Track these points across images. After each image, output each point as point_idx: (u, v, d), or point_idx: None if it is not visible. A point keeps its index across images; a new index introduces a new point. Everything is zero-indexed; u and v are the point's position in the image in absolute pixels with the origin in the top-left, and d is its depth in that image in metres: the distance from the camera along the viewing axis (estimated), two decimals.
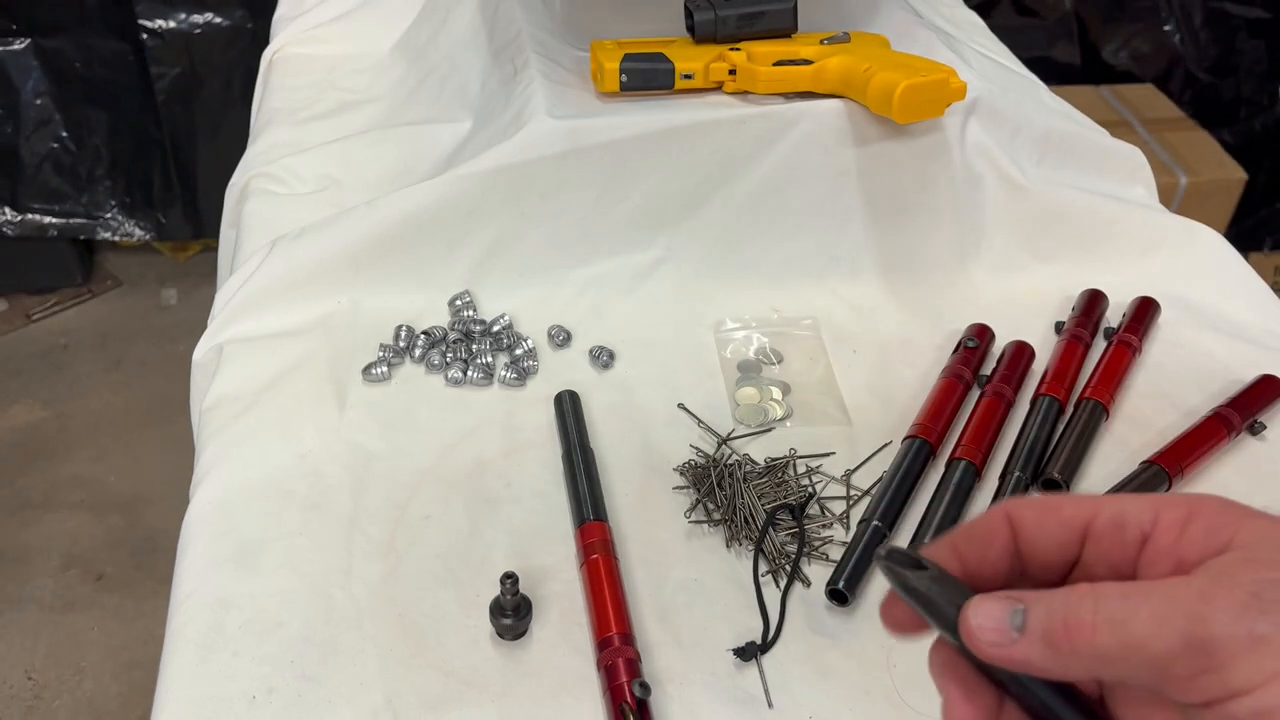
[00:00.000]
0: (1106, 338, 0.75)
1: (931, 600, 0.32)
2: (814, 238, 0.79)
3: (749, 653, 0.53)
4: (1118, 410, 0.70)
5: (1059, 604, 0.29)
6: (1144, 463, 0.64)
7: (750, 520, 0.60)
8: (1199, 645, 0.27)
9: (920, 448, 0.65)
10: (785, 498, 0.62)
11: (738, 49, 0.75)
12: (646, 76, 0.74)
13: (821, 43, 0.76)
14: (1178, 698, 0.28)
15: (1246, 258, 0.83)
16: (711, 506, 0.62)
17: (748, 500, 0.61)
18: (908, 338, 0.76)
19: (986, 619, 0.30)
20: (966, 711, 0.32)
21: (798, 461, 0.66)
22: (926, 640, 0.57)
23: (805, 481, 0.64)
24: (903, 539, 0.60)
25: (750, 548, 0.60)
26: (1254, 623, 0.26)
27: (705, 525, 0.61)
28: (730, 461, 0.64)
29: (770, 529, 0.60)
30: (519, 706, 0.51)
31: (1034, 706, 0.31)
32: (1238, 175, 1.74)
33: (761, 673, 0.53)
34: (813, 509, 0.62)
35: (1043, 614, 0.29)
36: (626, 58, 0.73)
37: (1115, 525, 0.31)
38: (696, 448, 0.66)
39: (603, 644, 0.53)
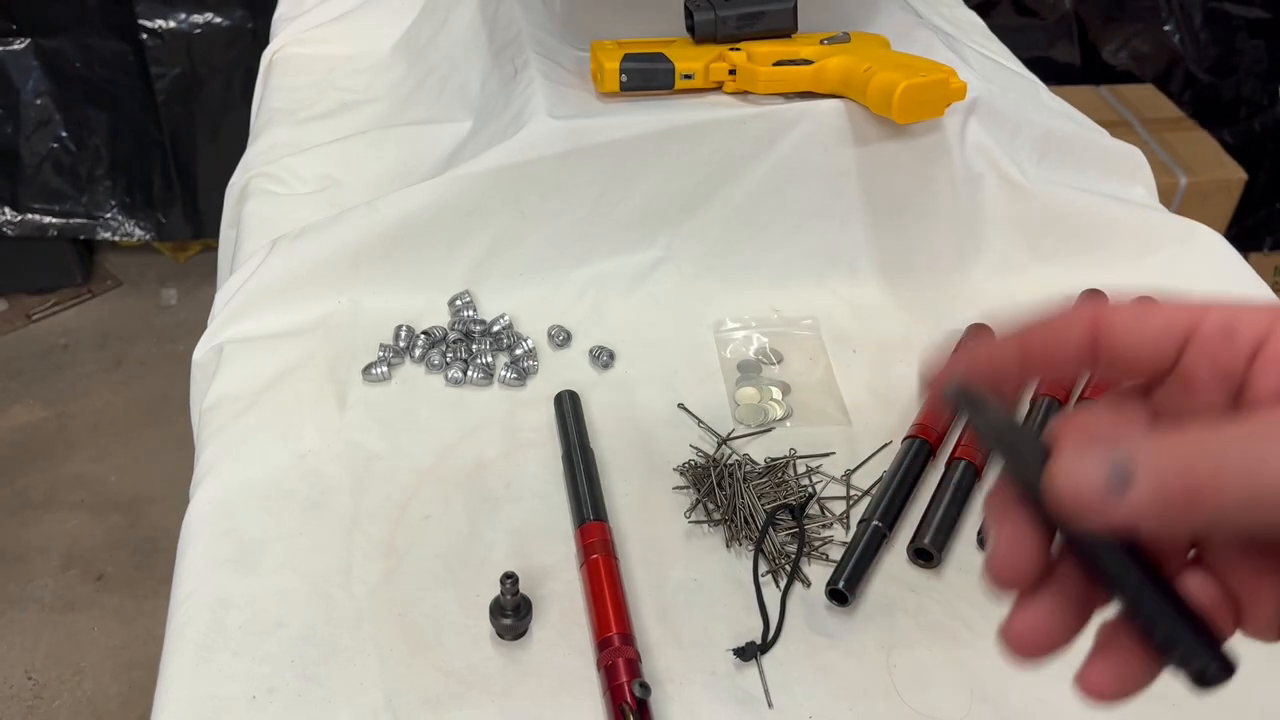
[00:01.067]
0: None
1: (1015, 448, 0.28)
2: (814, 238, 0.79)
3: (749, 653, 0.53)
4: None
5: (1177, 457, 0.24)
6: None
7: (750, 520, 0.61)
8: None
9: (920, 448, 0.65)
10: (785, 498, 0.62)
11: (738, 49, 0.75)
12: (646, 76, 0.74)
13: (821, 43, 0.76)
14: None
15: (1246, 258, 0.83)
16: (711, 506, 0.62)
17: (748, 500, 0.61)
18: (908, 338, 0.76)
19: (1083, 479, 0.25)
20: (1013, 561, 0.28)
21: (798, 461, 0.66)
22: (927, 641, 0.57)
23: (805, 481, 0.64)
24: (902, 539, 0.60)
25: (750, 548, 0.60)
26: None
27: (705, 525, 0.61)
28: (730, 461, 0.64)
29: (770, 529, 0.60)
30: (519, 706, 0.51)
31: (1106, 573, 0.26)
32: (1238, 175, 1.74)
33: (761, 673, 0.53)
34: (813, 509, 0.62)
35: (1155, 470, 0.24)
36: (626, 58, 0.73)
37: (1225, 331, 0.27)
38: (696, 448, 0.66)
39: (603, 644, 0.53)
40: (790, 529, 0.60)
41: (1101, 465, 0.25)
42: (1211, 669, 0.24)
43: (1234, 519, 0.24)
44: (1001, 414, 0.28)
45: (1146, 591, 0.25)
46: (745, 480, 0.62)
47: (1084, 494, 0.25)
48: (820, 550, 0.60)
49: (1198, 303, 0.28)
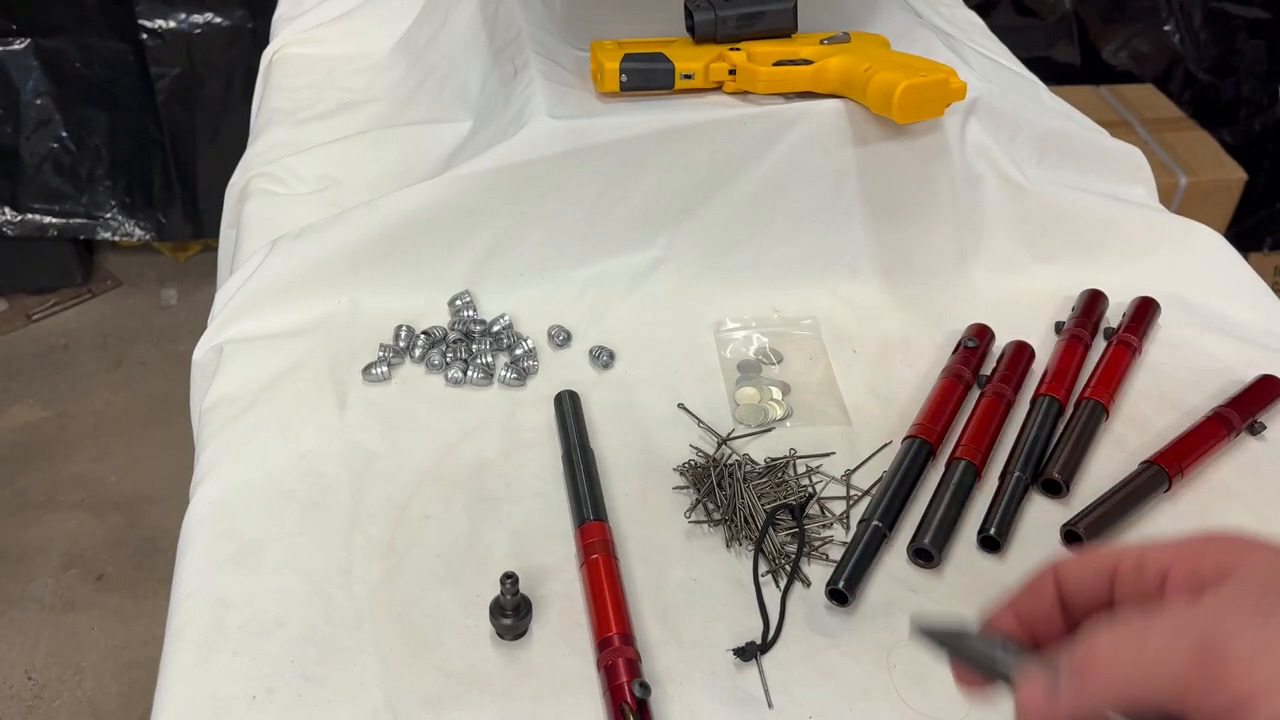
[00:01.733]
0: (1106, 338, 0.75)
1: (982, 660, 0.34)
2: (814, 238, 0.79)
3: (749, 653, 0.53)
4: (1118, 410, 0.70)
5: (1079, 642, 0.30)
6: (1144, 462, 0.64)
7: (750, 520, 0.61)
8: (1211, 654, 0.28)
9: (920, 448, 0.65)
10: (785, 498, 0.62)
11: (738, 49, 0.75)
12: (646, 76, 0.74)
13: (821, 43, 0.76)
14: (1199, 716, 0.29)
15: (1246, 258, 0.83)
16: (711, 506, 0.62)
17: (748, 500, 0.61)
18: (908, 338, 0.76)
19: (1030, 692, 0.32)
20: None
21: (798, 461, 0.66)
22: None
23: (805, 481, 0.64)
24: (902, 539, 0.60)
25: (750, 548, 0.60)
26: (1260, 629, 0.28)
27: (705, 525, 0.61)
28: (730, 461, 0.64)
29: (770, 529, 0.60)
30: (519, 706, 0.51)
31: None
32: (1237, 175, 1.74)
33: (761, 673, 0.53)
34: (813, 509, 0.62)
35: (1066, 658, 0.30)
36: (626, 58, 0.73)
37: (1137, 567, 0.33)
38: (696, 448, 0.66)
39: (603, 644, 0.53)
40: (790, 529, 0.60)
41: (1042, 676, 0.31)
42: None
43: (1139, 692, 0.29)
44: (972, 638, 0.35)
45: None
46: (745, 480, 0.62)
47: (1035, 704, 0.31)
48: (820, 550, 0.60)
49: (1122, 546, 0.34)
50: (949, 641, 0.35)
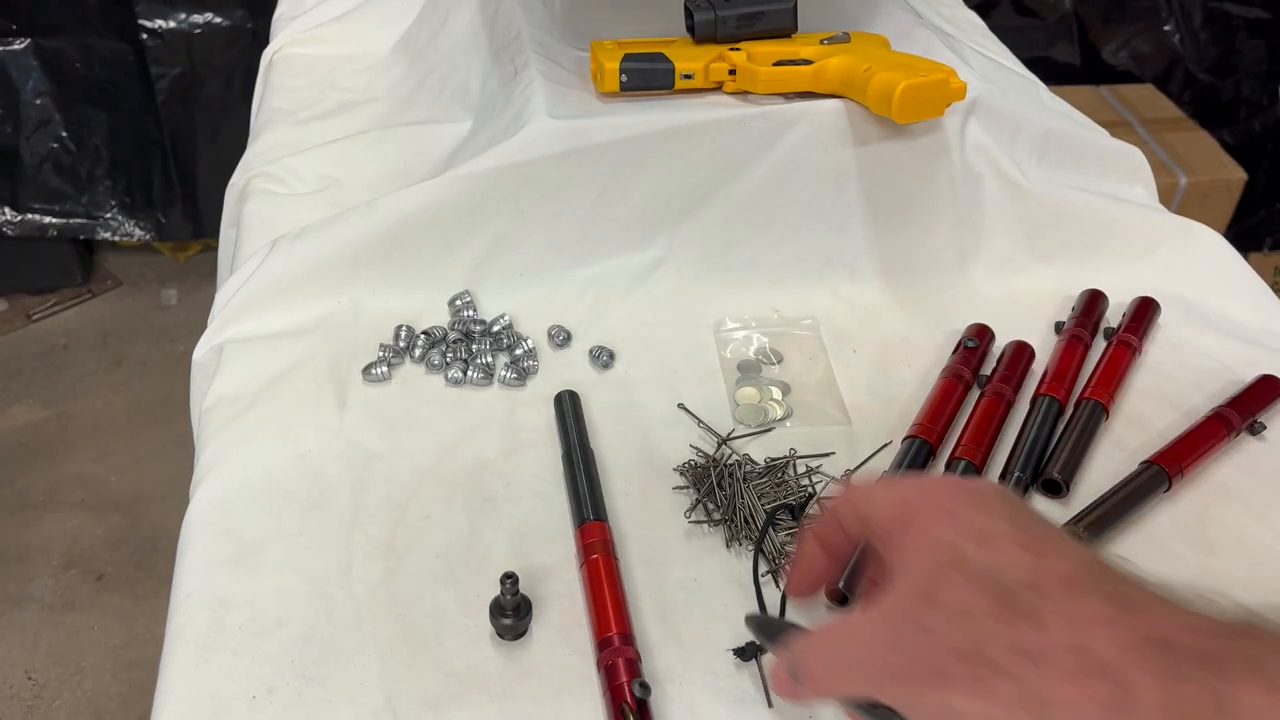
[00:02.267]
0: (1106, 338, 0.75)
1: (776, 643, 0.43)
2: (814, 238, 0.79)
3: (749, 653, 0.53)
4: (1118, 410, 0.70)
5: (795, 656, 0.39)
6: (1144, 462, 0.64)
7: (750, 520, 0.60)
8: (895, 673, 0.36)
9: (920, 448, 0.65)
10: (785, 498, 0.62)
11: (738, 49, 0.75)
12: (646, 76, 0.74)
13: (821, 43, 0.76)
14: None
15: (1246, 258, 0.83)
16: (711, 506, 0.62)
17: (748, 500, 0.61)
18: (908, 338, 0.76)
19: (776, 680, 0.41)
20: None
21: (797, 461, 0.66)
22: None
23: (805, 481, 0.64)
24: None
25: (750, 548, 0.60)
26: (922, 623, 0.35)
27: (705, 525, 0.61)
28: (730, 461, 0.64)
29: (770, 529, 0.60)
30: (519, 706, 0.51)
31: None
32: (1237, 175, 1.74)
33: (762, 673, 0.53)
34: (813, 509, 0.62)
35: (788, 655, 0.40)
36: (626, 58, 0.73)
37: (862, 520, 0.41)
38: (696, 448, 0.66)
39: (603, 644, 0.53)
40: (790, 529, 0.60)
41: (783, 667, 0.40)
42: None
43: (853, 690, 0.37)
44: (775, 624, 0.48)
45: None
46: (745, 480, 0.62)
47: (782, 689, 0.40)
48: None
49: (862, 492, 0.42)
50: (758, 627, 0.48)
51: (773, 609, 0.56)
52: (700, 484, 0.63)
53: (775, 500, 0.61)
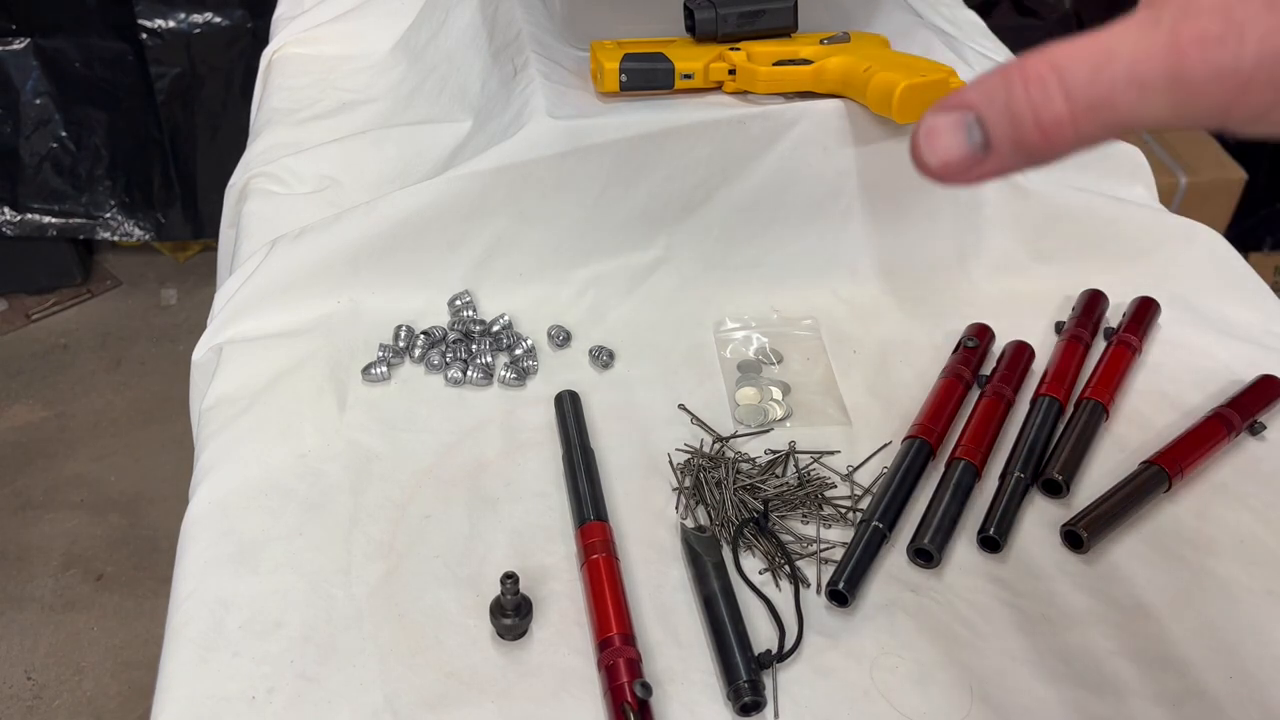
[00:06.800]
0: (1106, 338, 0.75)
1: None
2: (814, 238, 0.79)
3: (764, 662, 0.53)
4: (1118, 410, 0.70)
5: (1019, 102, 0.25)
6: (1144, 462, 0.64)
7: (749, 520, 0.60)
8: (1185, 88, 0.23)
9: (920, 448, 0.65)
10: (784, 498, 0.61)
11: (737, 49, 0.75)
12: (646, 76, 0.74)
13: (821, 42, 0.76)
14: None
15: (1246, 258, 0.82)
16: (711, 507, 0.62)
17: (747, 500, 0.61)
18: (908, 338, 0.76)
19: (946, 151, 0.26)
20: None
21: (797, 461, 0.65)
22: (927, 641, 0.57)
23: (805, 481, 0.64)
24: (903, 539, 0.60)
25: (750, 547, 0.60)
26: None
27: (704, 525, 0.61)
28: (730, 461, 0.64)
29: (770, 529, 0.60)
30: (519, 706, 0.51)
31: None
32: (1238, 175, 1.74)
33: (775, 684, 0.52)
34: (775, 517, 0.62)
35: (1004, 121, 0.25)
36: (626, 58, 0.73)
37: None
38: (696, 448, 0.66)
39: (603, 644, 0.53)
40: (788, 530, 0.60)
41: (959, 126, 0.25)
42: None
43: (1105, 140, 0.25)
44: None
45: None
46: (744, 480, 0.62)
47: (953, 162, 0.26)
48: (821, 551, 0.60)
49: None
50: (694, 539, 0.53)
51: (772, 607, 0.56)
52: (700, 484, 0.63)
53: (773, 500, 0.61)
